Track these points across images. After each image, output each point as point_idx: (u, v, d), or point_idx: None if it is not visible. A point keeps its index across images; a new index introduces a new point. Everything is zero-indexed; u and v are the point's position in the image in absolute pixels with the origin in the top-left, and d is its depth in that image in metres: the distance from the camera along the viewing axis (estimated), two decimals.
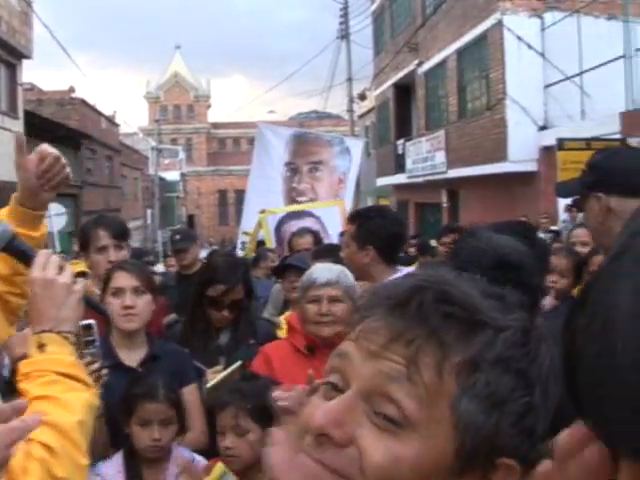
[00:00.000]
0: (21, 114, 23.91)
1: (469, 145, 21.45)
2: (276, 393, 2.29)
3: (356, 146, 11.87)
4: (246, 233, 10.13)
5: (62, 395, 1.81)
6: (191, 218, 71.34)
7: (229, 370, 3.61)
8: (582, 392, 0.55)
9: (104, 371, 3.01)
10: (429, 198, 26.88)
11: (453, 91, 23.46)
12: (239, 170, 67.07)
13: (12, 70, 23.80)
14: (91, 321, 2.81)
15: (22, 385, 1.83)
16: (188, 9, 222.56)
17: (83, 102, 33.84)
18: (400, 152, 28.12)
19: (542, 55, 18.78)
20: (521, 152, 18.58)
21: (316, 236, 6.92)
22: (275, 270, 5.98)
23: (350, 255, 3.97)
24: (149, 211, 50.90)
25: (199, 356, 3.89)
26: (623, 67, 15.40)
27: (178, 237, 7.06)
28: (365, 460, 0.87)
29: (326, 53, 36.06)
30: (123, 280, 3.63)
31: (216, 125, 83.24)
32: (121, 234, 4.48)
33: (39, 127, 23.57)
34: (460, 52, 22.61)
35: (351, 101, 36.23)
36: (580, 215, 8.73)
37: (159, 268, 12.81)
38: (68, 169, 2.35)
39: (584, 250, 5.46)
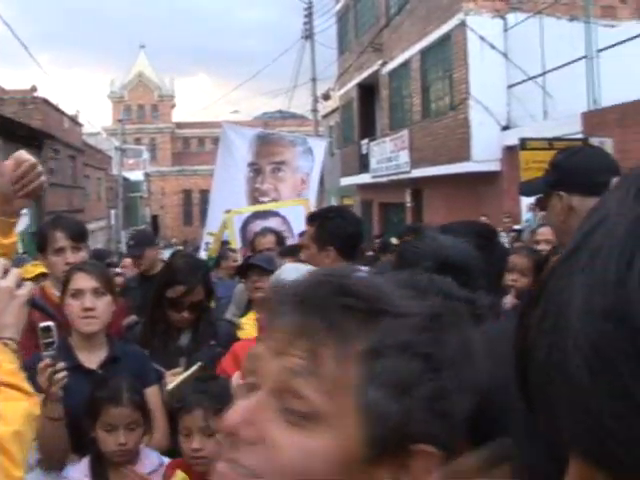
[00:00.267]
0: None
1: (433, 145, 21.55)
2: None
3: (319, 146, 11.86)
4: (211, 234, 10.09)
5: None
6: (155, 218, 70.99)
7: (189, 372, 3.58)
8: (533, 391, 0.54)
9: (63, 373, 2.99)
10: (393, 198, 26.95)
11: (417, 91, 23.55)
12: (203, 170, 66.92)
13: None
14: (50, 323, 2.79)
15: None
16: (153, 7, 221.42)
17: (45, 101, 33.42)
18: (364, 152, 28.19)
19: (505, 55, 18.92)
20: (484, 152, 18.71)
21: (279, 236, 6.92)
22: (238, 270, 5.95)
23: (311, 257, 3.94)
24: (113, 211, 50.57)
25: (159, 357, 3.86)
26: (585, 68, 15.57)
27: (132, 243, 7.05)
28: (277, 456, 0.88)
29: (292, 53, 36.09)
30: (82, 281, 3.58)
31: (180, 125, 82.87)
32: (79, 235, 4.42)
33: (0, 127, 23.32)
34: (424, 52, 22.70)
35: (315, 101, 36.26)
36: (541, 214, 8.81)
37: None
38: (44, 177, 2.32)
39: (548, 248, 5.49)
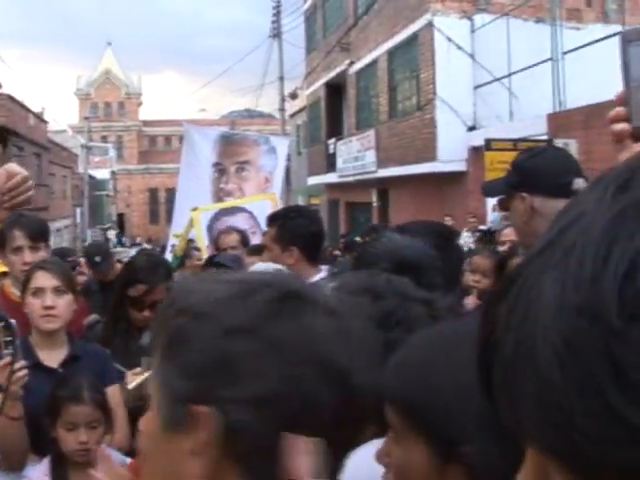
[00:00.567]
0: None
1: (399, 145, 21.61)
2: None
3: (282, 145, 11.86)
4: (176, 235, 10.02)
5: None
6: (121, 217, 70.64)
7: (150, 371, 3.56)
8: (497, 389, 0.54)
9: (23, 372, 2.96)
10: (359, 197, 27.01)
11: (384, 91, 23.61)
12: (170, 168, 66.46)
13: None
14: (12, 321, 2.76)
15: None
16: (121, 4, 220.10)
17: (10, 98, 33.09)
18: (331, 151, 28.20)
19: (472, 56, 19.02)
20: (450, 152, 18.79)
21: (243, 235, 6.91)
22: (203, 268, 5.93)
23: (274, 257, 3.91)
24: (78, 210, 50.24)
25: (121, 356, 3.83)
26: (550, 69, 15.71)
27: (98, 259, 7.18)
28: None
29: (261, 51, 36.03)
30: (43, 280, 3.55)
31: (147, 123, 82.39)
32: (38, 235, 4.36)
33: None
34: (391, 52, 22.77)
35: (283, 100, 36.24)
36: (503, 214, 8.86)
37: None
38: (32, 192, 2.30)
39: None
